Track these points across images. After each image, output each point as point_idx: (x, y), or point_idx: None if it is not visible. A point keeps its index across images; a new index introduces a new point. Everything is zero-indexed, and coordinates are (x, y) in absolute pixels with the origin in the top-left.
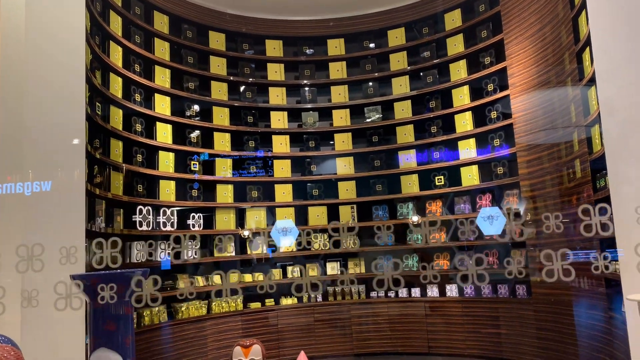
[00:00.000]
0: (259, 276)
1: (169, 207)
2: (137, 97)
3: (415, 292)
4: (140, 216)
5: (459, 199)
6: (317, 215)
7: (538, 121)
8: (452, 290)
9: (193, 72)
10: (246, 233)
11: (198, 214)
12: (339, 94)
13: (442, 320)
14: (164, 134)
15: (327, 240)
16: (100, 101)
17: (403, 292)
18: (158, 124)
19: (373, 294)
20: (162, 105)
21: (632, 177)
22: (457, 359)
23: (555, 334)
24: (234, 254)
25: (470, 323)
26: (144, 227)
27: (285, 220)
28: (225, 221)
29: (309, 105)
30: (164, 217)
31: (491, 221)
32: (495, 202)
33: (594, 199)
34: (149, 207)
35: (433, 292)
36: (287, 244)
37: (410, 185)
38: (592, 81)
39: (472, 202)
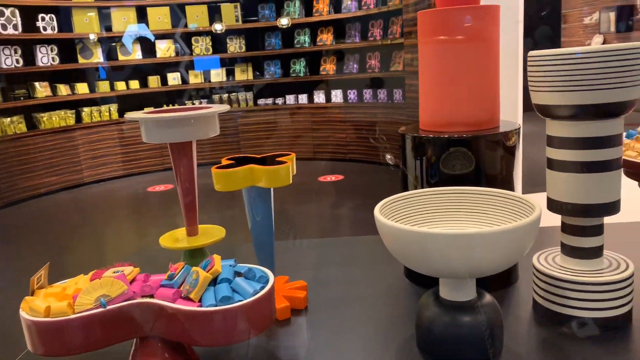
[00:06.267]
0: (134, 84)
1: (7, 6)
2: None
3: (302, 98)
4: None
5: None
6: (197, 15)
7: None
8: (337, 96)
9: None
10: (91, 37)
11: (49, 15)
12: None
13: (326, 126)
14: None
15: (210, 43)
16: None
17: (290, 99)
18: None
19: (261, 101)
20: None
21: None
22: (338, 164)
23: None
24: (102, 60)
25: (351, 128)
26: None
27: (138, 25)
28: (85, 23)
29: None
30: (3, 19)
31: None
32: None
33: None
34: None
35: (320, 98)
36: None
37: None
38: None
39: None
